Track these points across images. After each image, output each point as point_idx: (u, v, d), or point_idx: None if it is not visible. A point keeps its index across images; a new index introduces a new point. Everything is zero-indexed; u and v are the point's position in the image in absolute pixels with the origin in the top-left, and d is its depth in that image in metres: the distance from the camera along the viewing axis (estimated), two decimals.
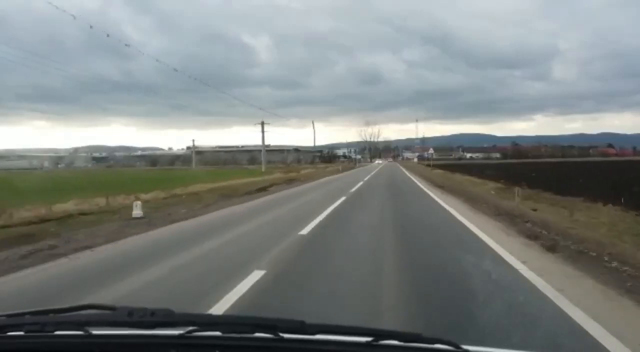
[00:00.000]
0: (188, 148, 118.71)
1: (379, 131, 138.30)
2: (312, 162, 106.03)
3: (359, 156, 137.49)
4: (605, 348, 3.24)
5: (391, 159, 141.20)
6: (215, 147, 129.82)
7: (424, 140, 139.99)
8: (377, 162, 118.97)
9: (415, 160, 56.69)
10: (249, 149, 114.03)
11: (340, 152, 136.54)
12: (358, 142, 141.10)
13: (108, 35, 22.21)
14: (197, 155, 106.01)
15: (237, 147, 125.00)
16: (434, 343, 1.22)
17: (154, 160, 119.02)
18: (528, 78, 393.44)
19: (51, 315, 1.35)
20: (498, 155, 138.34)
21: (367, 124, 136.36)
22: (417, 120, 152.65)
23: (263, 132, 67.78)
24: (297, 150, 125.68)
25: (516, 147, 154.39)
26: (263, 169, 59.06)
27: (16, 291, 5.33)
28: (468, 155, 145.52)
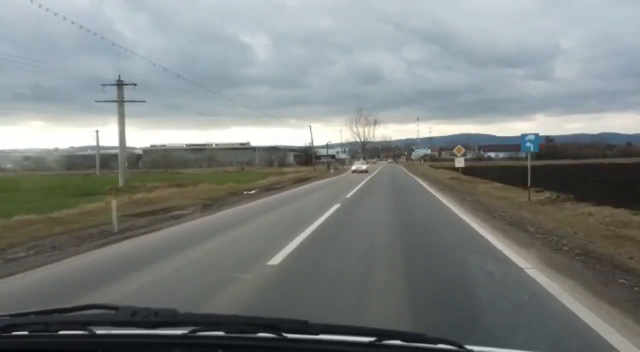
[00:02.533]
0: (152, 146, 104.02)
1: (375, 122, 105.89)
2: (280, 165, 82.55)
3: (343, 156, 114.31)
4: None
5: (391, 160, 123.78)
6: (183, 145, 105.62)
7: (430, 139, 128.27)
8: (355, 167, 56.46)
9: (462, 163, 27.37)
10: (225, 147, 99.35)
11: (332, 151, 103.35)
12: (350, 143, 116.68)
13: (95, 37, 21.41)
14: (147, 155, 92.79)
15: (207, 145, 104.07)
16: (437, 343, 1.22)
17: (72, 162, 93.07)
18: (530, 77, 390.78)
19: (55, 315, 1.36)
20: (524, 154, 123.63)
21: (359, 112, 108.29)
22: (418, 119, 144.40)
23: (118, 104, 30.08)
24: (273, 148, 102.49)
25: (549, 145, 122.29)
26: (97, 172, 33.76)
27: None
28: (486, 154, 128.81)
